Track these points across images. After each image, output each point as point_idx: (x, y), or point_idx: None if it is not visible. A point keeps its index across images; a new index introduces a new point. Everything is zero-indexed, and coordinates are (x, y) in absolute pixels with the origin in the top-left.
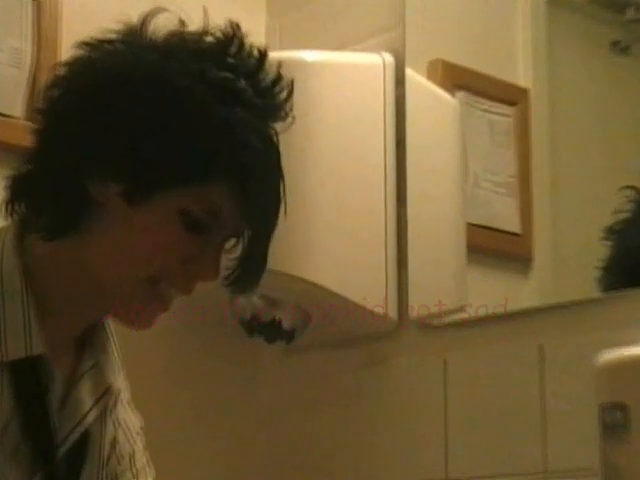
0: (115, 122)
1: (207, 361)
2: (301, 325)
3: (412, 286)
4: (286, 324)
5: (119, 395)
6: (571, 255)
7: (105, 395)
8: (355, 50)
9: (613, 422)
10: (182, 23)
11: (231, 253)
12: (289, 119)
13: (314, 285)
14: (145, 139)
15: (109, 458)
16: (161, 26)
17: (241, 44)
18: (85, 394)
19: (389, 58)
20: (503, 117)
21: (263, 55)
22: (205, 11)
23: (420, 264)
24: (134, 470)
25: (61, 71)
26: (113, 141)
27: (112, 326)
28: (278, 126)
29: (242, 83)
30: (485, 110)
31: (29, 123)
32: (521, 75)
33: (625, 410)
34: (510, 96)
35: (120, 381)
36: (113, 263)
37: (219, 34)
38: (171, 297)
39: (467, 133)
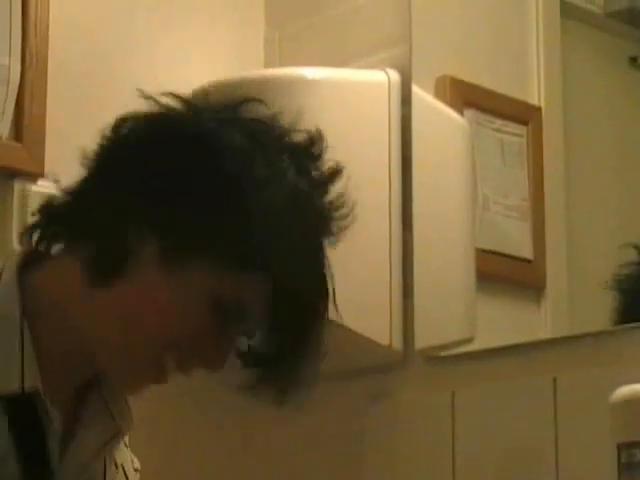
0: (180, 184)
1: (208, 395)
2: None
3: (418, 315)
4: None
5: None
6: (586, 283)
7: (114, 439)
8: (358, 66)
9: (630, 462)
10: (274, 117)
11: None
12: (334, 240)
13: None
14: (205, 208)
15: None
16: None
17: (321, 153)
18: (92, 439)
19: (394, 75)
20: (515, 137)
21: (337, 171)
22: (299, 113)
23: (427, 292)
24: None
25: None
26: (171, 194)
27: None
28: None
29: (313, 193)
30: (496, 129)
31: (16, 143)
32: (534, 92)
33: None
34: (522, 114)
35: (129, 423)
36: (125, 323)
37: (305, 134)
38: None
39: (477, 153)
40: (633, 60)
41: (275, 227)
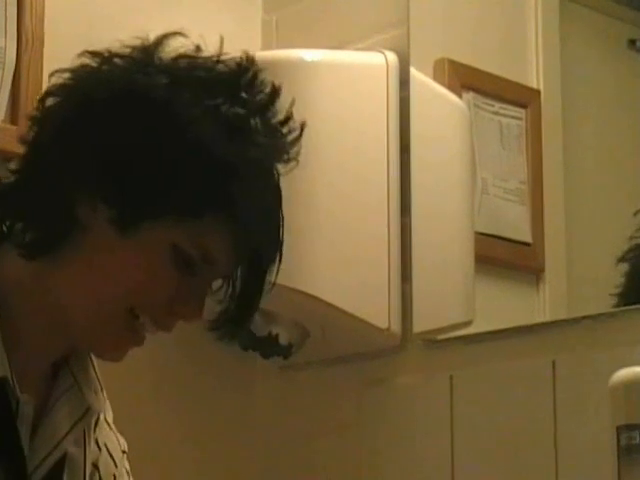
0: (115, 142)
1: (199, 377)
2: (299, 340)
3: (417, 299)
4: (283, 339)
5: (100, 416)
6: (585, 266)
7: (85, 416)
8: (356, 49)
9: (629, 444)
10: (197, 49)
11: (216, 294)
12: (293, 163)
13: (313, 298)
14: (145, 164)
15: None
16: (175, 49)
17: (254, 77)
18: (62, 417)
19: (393, 57)
20: (514, 120)
21: (276, 91)
22: (221, 39)
23: (425, 276)
24: None
25: (62, 78)
26: (110, 162)
27: None
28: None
29: (253, 121)
30: (495, 112)
31: (11, 126)
32: (533, 75)
33: None
34: (521, 97)
35: (101, 401)
36: (91, 292)
37: (233, 64)
38: (147, 332)
39: (476, 137)
40: (632, 42)
41: (221, 163)
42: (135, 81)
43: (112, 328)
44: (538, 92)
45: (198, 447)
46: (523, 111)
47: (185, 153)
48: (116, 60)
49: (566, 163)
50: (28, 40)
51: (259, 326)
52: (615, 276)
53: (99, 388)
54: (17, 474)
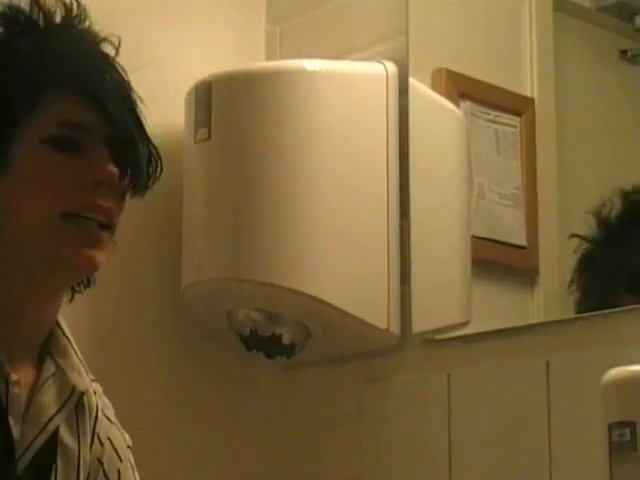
0: None
1: (204, 376)
2: (301, 340)
3: (415, 300)
4: (286, 339)
5: (98, 412)
6: None
7: (71, 397)
8: (357, 59)
9: (621, 441)
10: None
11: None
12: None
13: (315, 299)
14: None
15: (95, 477)
16: None
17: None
18: (49, 399)
19: (392, 67)
20: (509, 127)
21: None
22: None
23: (423, 277)
24: None
25: None
26: None
27: (68, 329)
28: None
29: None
30: (490, 120)
31: None
32: (527, 84)
33: (634, 429)
34: (516, 106)
35: (85, 380)
36: (20, 214)
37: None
38: (99, 233)
39: (472, 143)
40: (623, 53)
41: (27, 60)
42: None
43: (61, 236)
44: (532, 100)
45: (203, 443)
46: (518, 119)
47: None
48: None
49: (559, 169)
50: None
51: (263, 326)
52: None
53: (82, 370)
54: (4, 456)
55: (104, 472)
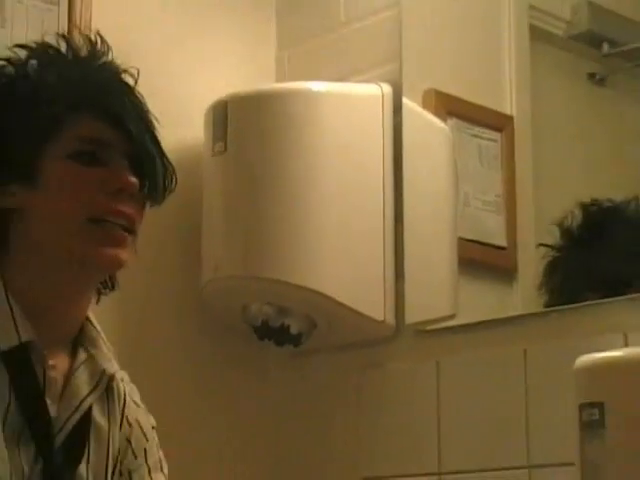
0: None
1: (220, 364)
2: (307, 330)
3: (408, 295)
4: (294, 329)
5: (126, 397)
6: None
7: (102, 379)
8: (357, 80)
9: (590, 420)
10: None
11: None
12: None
13: (320, 294)
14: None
15: (124, 455)
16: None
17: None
18: (82, 382)
19: (387, 88)
20: (491, 142)
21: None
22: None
23: (415, 275)
24: (149, 464)
25: None
26: None
27: (98, 324)
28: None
29: (62, 49)
30: (474, 135)
31: None
32: (507, 103)
33: (602, 409)
34: (497, 122)
35: (116, 367)
36: (51, 220)
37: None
38: (122, 234)
39: (458, 156)
40: (592, 76)
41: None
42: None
43: (87, 239)
44: (511, 118)
45: (219, 425)
46: (499, 134)
47: (12, 99)
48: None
49: (535, 178)
50: None
51: (273, 318)
52: None
53: (112, 358)
54: (43, 434)
55: (132, 451)
